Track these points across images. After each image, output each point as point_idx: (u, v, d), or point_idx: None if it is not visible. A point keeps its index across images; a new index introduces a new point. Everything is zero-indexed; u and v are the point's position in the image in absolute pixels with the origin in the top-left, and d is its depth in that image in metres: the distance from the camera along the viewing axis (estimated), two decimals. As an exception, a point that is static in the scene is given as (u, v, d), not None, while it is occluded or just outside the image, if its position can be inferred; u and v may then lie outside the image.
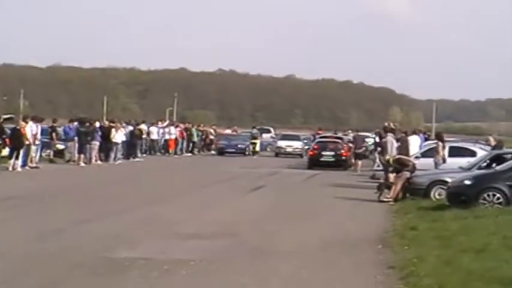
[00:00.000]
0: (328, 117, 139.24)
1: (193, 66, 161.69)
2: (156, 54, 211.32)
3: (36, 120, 30.61)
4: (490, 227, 13.14)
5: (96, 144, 33.36)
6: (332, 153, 37.51)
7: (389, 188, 20.24)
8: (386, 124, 26.60)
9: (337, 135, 45.74)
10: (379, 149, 27.23)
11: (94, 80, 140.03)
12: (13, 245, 11.50)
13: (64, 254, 10.79)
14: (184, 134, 48.26)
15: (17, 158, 27.64)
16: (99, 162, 33.38)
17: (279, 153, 49.91)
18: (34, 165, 29.04)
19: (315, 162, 37.07)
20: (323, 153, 37.55)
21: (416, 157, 24.34)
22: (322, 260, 10.87)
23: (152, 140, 44.15)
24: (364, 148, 38.24)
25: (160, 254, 10.88)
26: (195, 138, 49.47)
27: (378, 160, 27.84)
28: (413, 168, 20.50)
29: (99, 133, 33.88)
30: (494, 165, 19.46)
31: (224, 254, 11.21)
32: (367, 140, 42.13)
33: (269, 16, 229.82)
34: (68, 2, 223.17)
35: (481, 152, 24.72)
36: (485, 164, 20.37)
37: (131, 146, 38.40)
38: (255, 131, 54.41)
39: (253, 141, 51.32)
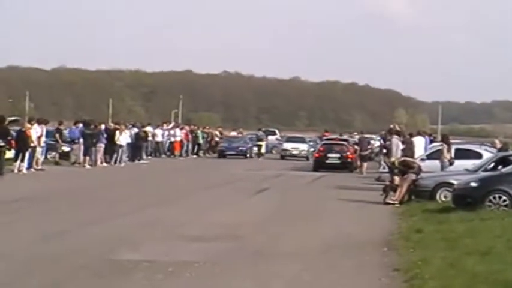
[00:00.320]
0: (333, 119, 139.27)
1: (198, 68, 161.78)
2: (161, 56, 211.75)
3: (42, 122, 30.67)
4: (495, 230, 13.09)
5: (101, 146, 33.42)
6: (338, 155, 37.46)
7: (394, 190, 20.20)
8: (391, 126, 26.63)
9: (343, 138, 45.70)
10: (384, 151, 27.22)
11: (99, 82, 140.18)
12: (18, 246, 11.50)
13: (68, 255, 10.79)
14: (190, 136, 48.30)
15: (22, 160, 27.69)
16: (104, 164, 33.43)
17: (285, 155, 49.39)
18: (39, 167, 29.09)
19: (320, 164, 37.03)
20: (329, 155, 37.51)
21: (422, 159, 24.31)
22: (326, 263, 10.85)
23: (157, 142, 44.20)
24: (369, 150, 38.20)
25: (165, 256, 10.87)
26: (201, 141, 49.48)
27: (383, 162, 27.82)
28: (419, 171, 20.45)
29: (104, 135, 33.94)
30: (500, 167, 19.40)
31: (228, 256, 11.20)
32: (372, 142, 42.06)
33: (274, 17, 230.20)
34: (73, 4, 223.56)
35: (487, 154, 24.67)
36: (491, 166, 20.31)
37: (136, 148, 38.46)
38: (260, 133, 54.52)
39: (259, 143, 51.27)
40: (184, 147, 47.27)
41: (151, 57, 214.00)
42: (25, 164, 27.88)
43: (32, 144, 28.37)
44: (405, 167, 20.40)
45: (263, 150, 51.35)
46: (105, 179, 27.12)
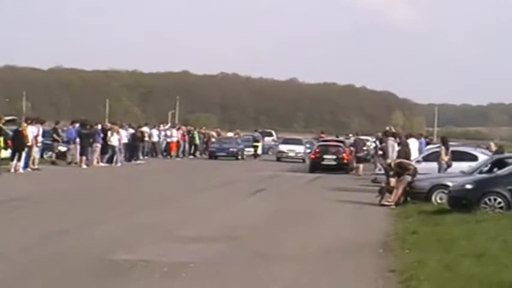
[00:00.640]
0: (330, 121, 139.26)
1: (195, 69, 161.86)
2: (158, 57, 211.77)
3: (38, 122, 30.68)
4: (490, 232, 13.13)
5: (97, 146, 33.40)
6: (334, 156, 37.47)
7: (390, 191, 20.24)
8: (387, 128, 26.68)
9: (339, 139, 45.72)
10: (380, 152, 27.27)
11: (96, 83, 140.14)
12: (15, 246, 11.50)
13: (65, 256, 10.81)
14: (186, 136, 48.32)
15: (18, 159, 27.68)
16: (100, 164, 33.42)
17: (281, 157, 48.75)
18: (36, 167, 29.08)
19: (316, 166, 37.05)
20: (325, 156, 37.52)
21: (418, 161, 24.34)
22: (323, 265, 10.88)
23: (153, 143, 44.20)
24: (365, 152, 38.25)
25: (161, 256, 10.89)
26: (197, 141, 49.48)
27: (379, 164, 27.87)
28: (415, 172, 20.50)
29: (101, 135, 33.94)
30: (495, 169, 19.46)
31: (224, 257, 11.23)
32: (368, 143, 42.11)
33: (271, 19, 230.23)
34: (71, 4, 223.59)
35: (483, 157, 24.73)
36: (486, 169, 20.37)
37: (133, 148, 38.50)
38: (256, 134, 54.43)
39: (255, 144, 51.13)
40: (181, 148, 47.29)
41: (149, 58, 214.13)
42: (21, 163, 27.87)
43: (28, 144, 28.37)
44: (401, 169, 20.44)
45: (259, 151, 51.21)
46: (101, 179, 27.11)
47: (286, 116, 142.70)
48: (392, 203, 19.64)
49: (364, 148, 38.46)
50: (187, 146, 48.22)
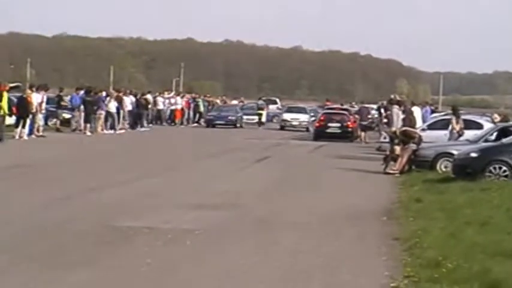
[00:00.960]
0: (335, 89, 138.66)
1: (200, 37, 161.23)
2: (162, 24, 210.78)
3: (42, 88, 30.62)
4: (495, 200, 13.13)
5: (101, 113, 33.39)
6: (338, 124, 37.40)
7: (395, 160, 20.22)
8: (392, 96, 26.53)
9: (344, 107, 45.55)
10: (385, 120, 27.18)
11: (100, 50, 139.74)
12: (19, 212, 11.54)
13: (69, 222, 10.83)
14: (191, 104, 48.23)
15: (23, 126, 27.71)
16: (105, 131, 33.43)
17: (284, 126, 47.50)
18: (40, 133, 29.11)
19: (321, 134, 36.99)
20: (329, 124, 37.46)
21: (422, 129, 24.27)
22: (326, 231, 10.88)
23: (158, 110, 44.18)
24: (370, 120, 38.17)
25: (165, 223, 10.90)
26: (202, 109, 49.39)
27: (383, 132, 27.80)
28: (420, 141, 20.45)
29: (105, 102, 33.90)
30: (502, 138, 19.35)
31: (228, 224, 11.24)
32: (373, 112, 41.96)
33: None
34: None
35: (488, 125, 24.61)
36: (492, 137, 20.28)
37: (137, 115, 38.52)
38: (260, 102, 54.15)
39: (259, 112, 50.93)
40: (186, 116, 47.24)
41: (153, 25, 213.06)
42: (26, 130, 27.90)
43: (33, 111, 28.37)
44: (406, 137, 20.38)
45: (263, 119, 51.02)
46: (105, 147, 27.14)
47: (290, 84, 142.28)
48: (397, 171, 19.63)
49: (369, 116, 38.33)
50: (191, 113, 48.15)
